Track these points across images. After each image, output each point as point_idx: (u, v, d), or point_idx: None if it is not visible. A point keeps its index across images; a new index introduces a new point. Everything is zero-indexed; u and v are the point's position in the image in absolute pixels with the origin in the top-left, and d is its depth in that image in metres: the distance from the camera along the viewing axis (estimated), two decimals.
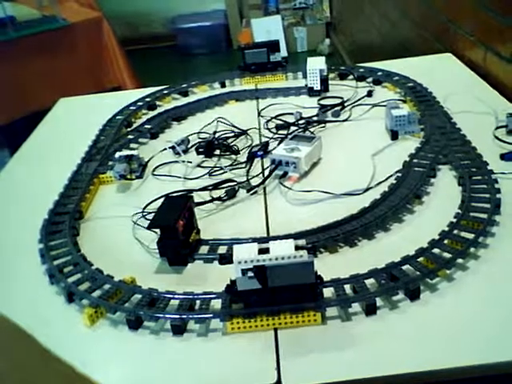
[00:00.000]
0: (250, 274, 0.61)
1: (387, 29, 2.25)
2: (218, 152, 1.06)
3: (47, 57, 2.30)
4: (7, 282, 0.79)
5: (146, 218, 0.85)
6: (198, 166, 1.03)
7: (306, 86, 1.27)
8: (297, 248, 0.61)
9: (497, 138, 0.97)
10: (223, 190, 0.92)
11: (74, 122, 1.34)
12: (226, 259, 0.62)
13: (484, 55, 1.26)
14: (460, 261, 0.69)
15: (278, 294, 0.63)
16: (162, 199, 0.82)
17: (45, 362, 0.35)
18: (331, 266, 0.72)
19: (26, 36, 2.24)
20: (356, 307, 0.65)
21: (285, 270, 0.61)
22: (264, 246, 0.62)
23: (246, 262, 0.60)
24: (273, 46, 1.38)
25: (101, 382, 0.38)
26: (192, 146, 1.09)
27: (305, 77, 1.29)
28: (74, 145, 1.15)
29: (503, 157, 0.91)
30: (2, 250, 0.87)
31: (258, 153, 1.02)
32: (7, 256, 0.85)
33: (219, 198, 0.90)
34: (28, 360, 0.34)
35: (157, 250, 0.76)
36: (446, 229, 0.74)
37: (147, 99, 1.34)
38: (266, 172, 0.95)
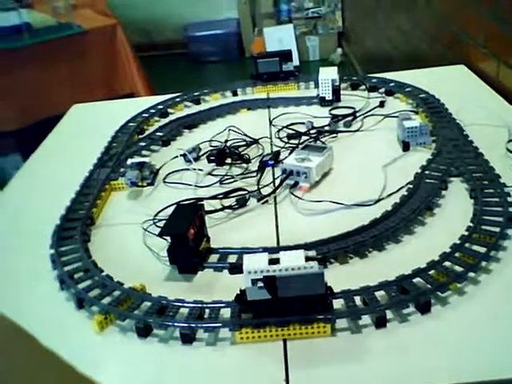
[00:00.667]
0: (260, 284, 0.61)
1: (400, 39, 2.25)
2: (229, 160, 1.06)
3: (62, 63, 2.32)
4: (18, 286, 0.79)
5: (157, 226, 0.85)
6: (209, 174, 1.04)
7: (318, 95, 1.27)
8: (307, 259, 0.61)
9: (509, 151, 0.96)
10: (234, 199, 0.92)
11: (87, 128, 1.35)
12: (237, 269, 0.62)
13: (497, 68, 1.25)
14: (472, 274, 0.69)
15: (288, 305, 0.62)
16: (173, 207, 0.82)
17: (45, 362, 0.35)
18: (341, 277, 0.72)
19: (41, 42, 2.27)
20: (366, 319, 0.65)
21: (295, 280, 0.60)
22: (274, 256, 0.62)
23: (256, 272, 0.60)
24: (285, 55, 1.38)
25: (101, 382, 0.38)
26: (203, 154, 1.10)
27: (317, 86, 1.29)
28: (86, 151, 1.16)
29: None
30: (14, 254, 0.87)
31: (269, 162, 1.02)
32: (19, 261, 0.85)
33: (230, 207, 0.90)
34: (28, 360, 0.34)
35: (167, 258, 0.76)
36: (458, 242, 0.73)
37: (159, 106, 1.35)
38: (277, 181, 0.95)
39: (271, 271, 0.60)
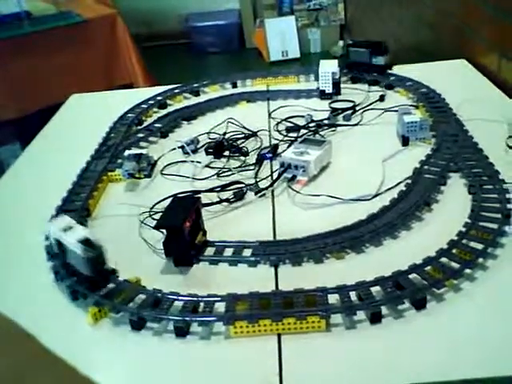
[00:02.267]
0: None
1: (401, 33, 2.24)
2: (227, 153, 1.06)
3: (61, 52, 2.31)
4: (13, 277, 0.79)
5: (153, 218, 0.85)
6: (207, 166, 1.03)
7: (318, 88, 1.26)
8: (82, 241, 0.64)
9: (509, 147, 0.95)
10: (231, 192, 0.92)
11: (85, 119, 1.35)
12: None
13: (499, 62, 1.24)
14: (468, 271, 0.68)
15: (76, 272, 0.68)
16: (169, 199, 0.81)
17: (45, 362, 0.35)
18: (337, 271, 0.72)
19: (40, 31, 2.25)
20: (361, 315, 0.64)
21: (73, 254, 0.65)
22: (70, 224, 0.67)
23: (53, 231, 0.68)
24: (376, 47, 1.28)
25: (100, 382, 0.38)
26: (201, 147, 1.09)
27: (317, 79, 1.28)
28: (84, 141, 1.15)
29: None
30: (9, 245, 0.87)
31: (268, 155, 1.02)
32: (14, 251, 0.85)
33: (227, 200, 0.90)
34: (28, 361, 0.34)
35: (163, 250, 0.76)
36: (455, 238, 0.73)
37: (158, 98, 1.34)
38: (275, 175, 0.95)
39: (58, 236, 0.66)
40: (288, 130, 1.12)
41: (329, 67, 1.24)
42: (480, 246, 0.71)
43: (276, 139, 1.09)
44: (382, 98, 1.22)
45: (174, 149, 1.09)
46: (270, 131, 1.14)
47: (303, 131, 1.10)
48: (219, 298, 0.67)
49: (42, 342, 0.34)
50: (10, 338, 0.34)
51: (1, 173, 1.13)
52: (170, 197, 0.87)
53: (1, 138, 2.29)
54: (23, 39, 2.21)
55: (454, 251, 0.71)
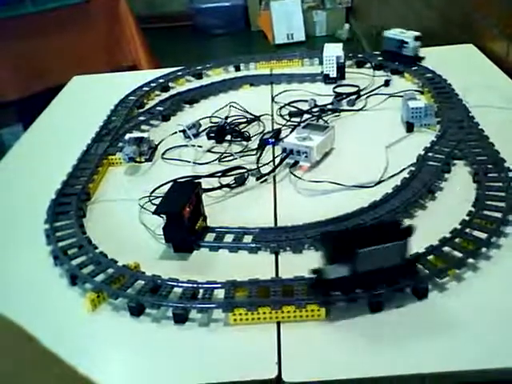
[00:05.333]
0: None
1: (408, 16, 2.20)
2: (229, 137, 1.05)
3: (64, 33, 2.29)
4: (12, 261, 0.78)
5: (153, 203, 0.84)
6: (209, 151, 1.02)
7: (322, 72, 1.24)
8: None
9: None
10: (232, 177, 0.91)
11: (87, 101, 1.33)
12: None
13: (507, 48, 1.22)
14: (471, 261, 0.67)
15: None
16: (170, 184, 0.80)
17: (46, 363, 0.34)
18: None
19: (43, 11, 2.23)
20: (361, 303, 0.64)
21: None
22: None
23: None
24: None
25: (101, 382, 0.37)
26: (203, 131, 1.08)
27: (321, 63, 1.26)
28: (85, 124, 1.14)
29: None
30: (8, 228, 0.86)
31: (270, 140, 1.00)
32: (13, 235, 0.84)
33: (228, 185, 0.89)
34: (30, 362, 0.33)
35: (162, 236, 0.75)
36: (458, 227, 0.72)
37: (161, 80, 1.32)
38: (277, 160, 0.94)
39: None
40: (291, 114, 1.11)
41: (333, 51, 1.22)
42: (484, 236, 0.70)
43: (279, 124, 1.08)
44: (386, 83, 1.20)
45: (176, 132, 1.08)
46: (272, 116, 1.12)
47: (306, 116, 1.09)
48: (219, 285, 0.66)
49: (41, 339, 0.34)
50: (11, 338, 0.33)
51: (2, 154, 1.12)
52: (170, 181, 0.86)
53: (3, 120, 2.28)
54: (25, 19, 2.19)
55: (457, 240, 0.70)
